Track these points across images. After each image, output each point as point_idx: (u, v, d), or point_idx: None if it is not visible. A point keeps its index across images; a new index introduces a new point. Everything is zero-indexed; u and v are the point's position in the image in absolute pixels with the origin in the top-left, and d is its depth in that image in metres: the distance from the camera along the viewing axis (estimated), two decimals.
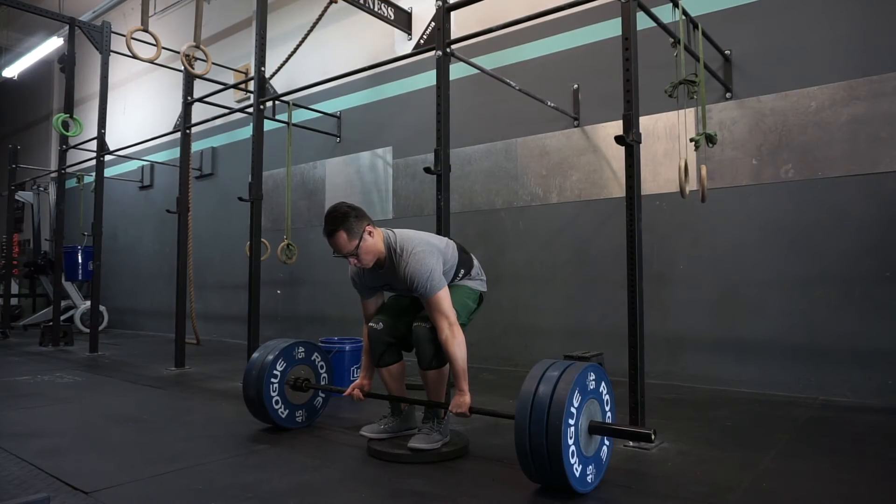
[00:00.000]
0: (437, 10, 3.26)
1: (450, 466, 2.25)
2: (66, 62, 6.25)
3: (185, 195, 5.01)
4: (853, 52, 3.49)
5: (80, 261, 8.15)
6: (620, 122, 2.55)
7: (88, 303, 7.41)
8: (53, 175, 8.37)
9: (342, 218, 2.29)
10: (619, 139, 2.50)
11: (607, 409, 2.06)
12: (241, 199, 4.29)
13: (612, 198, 4.29)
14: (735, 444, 2.53)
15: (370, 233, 2.32)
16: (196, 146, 7.20)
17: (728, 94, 3.89)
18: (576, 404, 1.83)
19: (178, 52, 4.84)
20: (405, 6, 5.59)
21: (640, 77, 2.60)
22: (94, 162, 6.15)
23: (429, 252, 2.33)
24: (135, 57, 4.28)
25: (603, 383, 2.04)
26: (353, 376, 3.68)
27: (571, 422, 1.80)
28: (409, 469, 2.22)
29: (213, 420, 3.12)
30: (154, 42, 4.51)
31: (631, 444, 2.46)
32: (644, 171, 3.92)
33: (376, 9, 5.23)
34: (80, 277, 8.21)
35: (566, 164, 4.57)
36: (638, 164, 2.55)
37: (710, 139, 3.08)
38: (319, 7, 4.36)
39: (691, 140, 3.08)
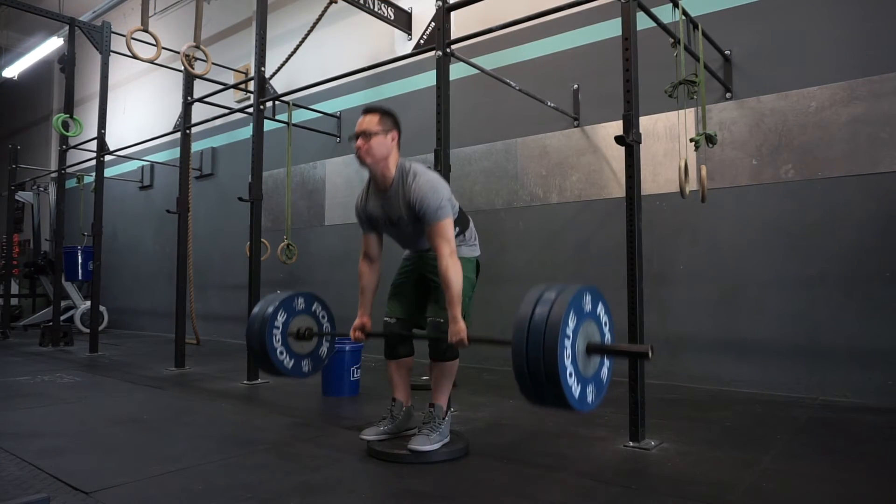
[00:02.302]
0: (437, 10, 3.26)
1: (450, 467, 2.25)
2: (66, 62, 6.26)
3: (185, 195, 5.01)
4: (853, 52, 3.49)
5: (80, 261, 8.15)
6: (620, 122, 2.56)
7: (88, 303, 7.41)
8: (53, 175, 8.38)
9: (387, 110, 2.41)
10: (619, 139, 2.50)
11: (605, 329, 2.04)
12: (241, 199, 4.29)
13: (612, 198, 4.29)
14: (735, 444, 2.53)
15: (393, 139, 2.38)
16: (196, 146, 7.20)
17: (728, 94, 3.89)
18: (571, 326, 1.82)
19: (178, 52, 4.84)
20: (405, 6, 5.59)
21: (640, 77, 2.60)
22: (94, 162, 6.15)
23: (440, 181, 2.37)
24: (135, 57, 4.28)
25: (600, 305, 2.03)
26: (354, 376, 3.69)
27: (568, 341, 1.79)
28: (409, 469, 2.22)
29: (213, 420, 3.12)
30: (154, 42, 4.51)
31: (631, 443, 2.46)
32: (644, 171, 3.92)
33: (376, 9, 5.23)
34: (80, 277, 8.21)
35: (566, 165, 4.57)
36: (638, 164, 2.55)
37: (710, 139, 3.08)
38: (319, 7, 4.36)
39: (691, 140, 3.08)
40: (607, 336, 2.03)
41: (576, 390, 1.81)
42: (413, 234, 2.43)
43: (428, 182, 2.31)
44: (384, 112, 2.39)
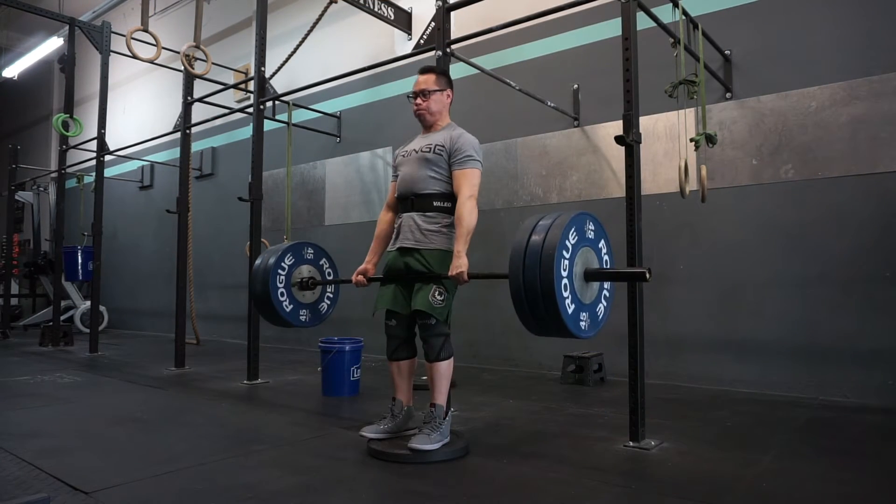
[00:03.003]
0: (437, 10, 3.26)
1: (450, 466, 2.25)
2: (66, 62, 6.26)
3: (185, 195, 5.01)
4: (853, 52, 3.49)
5: (80, 261, 8.15)
6: (620, 122, 2.55)
7: (88, 303, 7.41)
8: (53, 175, 8.39)
9: (443, 71, 2.65)
10: (619, 139, 2.50)
11: (605, 259, 2.04)
12: (241, 199, 4.29)
13: (612, 198, 4.29)
14: (735, 444, 2.53)
15: (449, 97, 2.59)
16: (196, 146, 7.20)
17: (728, 94, 3.89)
18: (571, 241, 1.81)
19: (178, 52, 4.85)
20: (405, 6, 5.59)
21: (640, 77, 2.60)
22: (94, 162, 6.15)
23: (479, 145, 2.51)
24: (135, 57, 4.29)
25: (602, 240, 2.02)
26: (354, 376, 3.69)
27: (566, 255, 1.77)
28: (409, 469, 2.22)
29: (213, 420, 3.12)
30: (154, 42, 4.52)
31: (631, 443, 2.46)
32: (644, 171, 3.92)
33: (376, 9, 5.23)
34: (80, 277, 8.21)
35: (566, 164, 4.57)
36: (638, 164, 2.55)
37: (710, 139, 3.08)
38: (319, 7, 4.37)
39: (691, 140, 3.08)
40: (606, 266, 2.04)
41: (570, 308, 1.80)
42: (423, 168, 2.48)
43: (471, 138, 2.49)
44: (440, 72, 2.59)
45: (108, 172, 7.06)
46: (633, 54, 2.55)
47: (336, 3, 4.34)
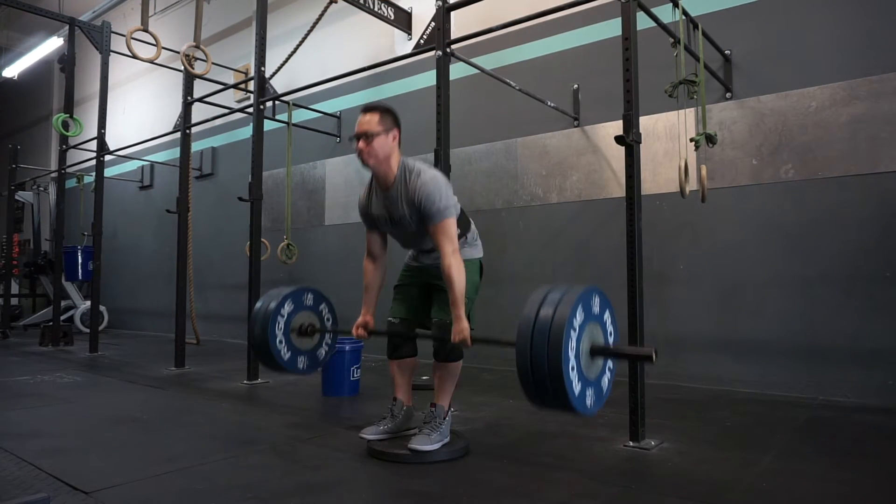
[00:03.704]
0: (437, 10, 3.26)
1: (450, 467, 2.25)
2: (66, 62, 6.25)
3: (185, 195, 5.01)
4: (853, 52, 3.49)
5: (80, 261, 8.15)
6: (620, 122, 2.56)
7: (88, 303, 7.41)
8: (53, 175, 8.38)
9: (387, 108, 2.39)
10: (619, 139, 2.50)
11: (610, 339, 2.04)
12: (241, 199, 4.29)
13: (612, 198, 4.29)
14: (735, 444, 2.53)
15: (395, 139, 2.35)
16: (196, 146, 7.20)
17: (728, 94, 3.89)
18: (578, 320, 1.81)
19: (178, 52, 4.85)
20: (405, 6, 5.59)
21: (640, 77, 2.60)
22: (94, 162, 6.15)
23: (443, 179, 2.34)
24: (135, 57, 4.28)
25: (607, 311, 2.02)
26: (354, 376, 3.68)
27: (574, 336, 1.78)
28: (409, 469, 2.22)
29: (213, 420, 3.12)
30: (154, 42, 4.51)
31: (631, 443, 2.46)
32: (644, 171, 3.92)
33: (376, 9, 5.23)
34: (80, 277, 8.21)
35: (566, 164, 4.57)
36: (638, 164, 2.55)
37: (710, 139, 3.08)
38: (319, 7, 4.36)
39: (691, 140, 3.08)
40: (611, 342, 2.03)
41: (576, 388, 1.80)
42: (415, 234, 2.41)
43: (431, 180, 2.28)
44: (383, 110, 2.37)
45: (108, 172, 7.06)
46: (633, 54, 2.55)
47: (336, 3, 4.34)
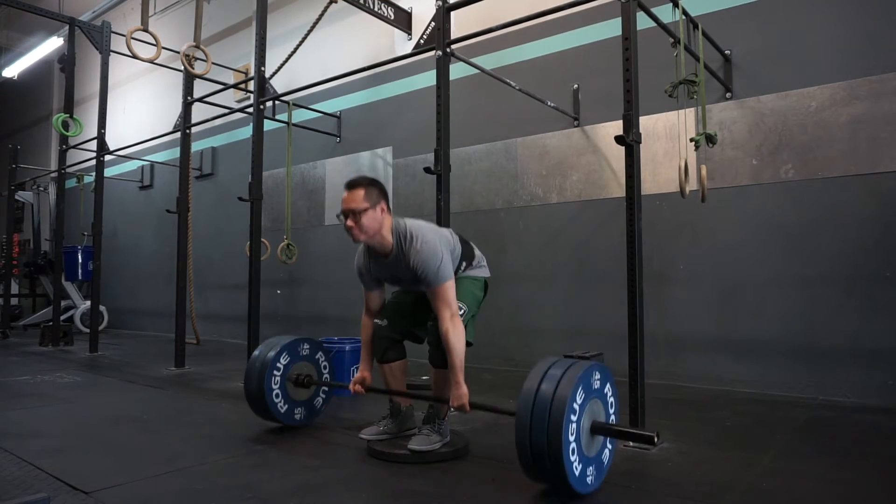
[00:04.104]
0: (437, 10, 3.26)
1: (450, 467, 2.25)
2: (66, 62, 6.25)
3: (185, 195, 5.01)
4: (853, 52, 3.49)
5: (80, 261, 8.15)
6: (620, 122, 2.55)
7: (88, 303, 7.41)
8: (53, 175, 8.38)
9: (370, 181, 2.34)
10: (619, 139, 2.50)
11: (611, 411, 2.05)
12: (241, 199, 4.29)
13: (612, 198, 4.29)
14: (735, 444, 2.53)
15: (383, 210, 2.32)
16: (196, 146, 7.20)
17: (728, 94, 3.89)
18: (578, 401, 1.82)
19: (178, 52, 4.84)
20: (405, 6, 5.59)
21: (640, 77, 2.59)
22: (94, 162, 6.15)
23: (439, 242, 2.33)
24: (135, 57, 4.28)
25: (608, 384, 2.03)
26: (354, 376, 3.67)
27: (574, 419, 1.79)
28: (408, 469, 2.22)
29: (213, 420, 3.12)
30: (154, 42, 4.51)
31: (631, 444, 2.46)
32: (644, 171, 3.92)
33: (376, 9, 5.23)
34: (80, 277, 8.21)
35: (566, 164, 4.57)
36: (638, 164, 2.55)
37: (710, 139, 3.08)
38: (319, 7, 4.36)
39: (691, 140, 3.08)
40: (612, 417, 2.03)
41: (577, 469, 1.81)
42: (418, 297, 2.48)
43: (426, 245, 2.27)
44: (367, 183, 2.32)
45: (108, 172, 7.06)
46: (633, 54, 2.55)
47: (336, 3, 4.34)
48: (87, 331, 6.66)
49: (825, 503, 1.87)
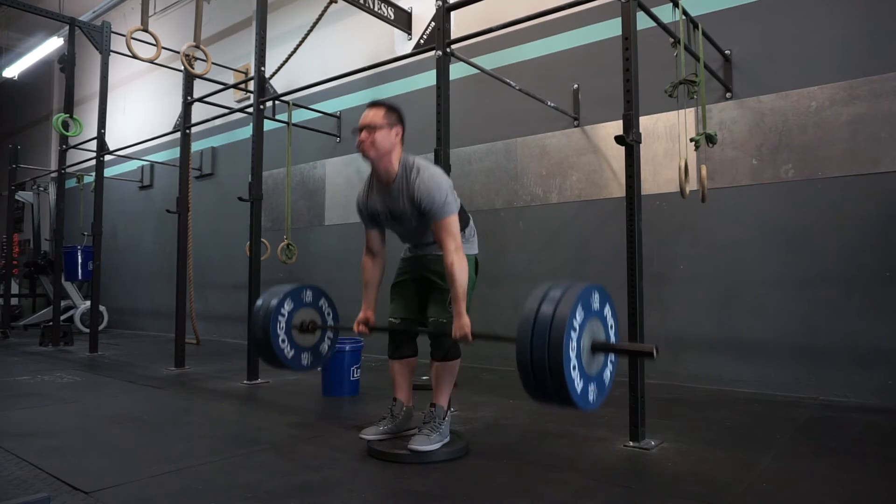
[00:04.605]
0: (437, 10, 3.26)
1: (450, 466, 2.25)
2: (66, 62, 6.25)
3: (185, 195, 5.01)
4: (853, 52, 3.49)
5: (79, 261, 8.15)
6: (620, 122, 2.56)
7: (88, 303, 7.41)
8: (53, 175, 8.38)
9: (392, 106, 2.42)
10: (619, 139, 2.50)
11: (611, 332, 2.04)
12: (241, 199, 4.29)
13: (612, 198, 4.29)
14: (735, 444, 2.53)
15: (398, 135, 2.37)
16: (196, 146, 7.20)
17: (728, 94, 3.89)
18: (579, 319, 1.82)
19: (178, 52, 4.84)
20: (405, 6, 5.59)
21: (640, 77, 2.60)
22: (94, 162, 6.15)
23: (444, 176, 2.36)
24: (135, 57, 4.29)
25: (607, 306, 2.02)
26: (354, 376, 3.68)
27: (574, 335, 1.78)
28: (409, 469, 2.22)
29: (213, 420, 3.12)
30: (154, 42, 4.52)
31: (631, 443, 2.46)
32: (644, 171, 3.92)
33: (376, 9, 5.23)
34: (80, 277, 8.21)
35: (566, 164, 4.57)
36: (638, 164, 2.55)
37: (710, 139, 3.08)
38: (319, 7, 4.37)
39: (691, 140, 3.08)
40: (612, 338, 2.03)
41: (578, 385, 1.80)
42: (416, 229, 2.42)
43: (432, 178, 2.29)
44: (389, 107, 2.40)
45: (108, 172, 7.05)
46: (633, 54, 2.55)
47: (336, 3, 4.34)
48: (87, 331, 6.66)
49: (825, 503, 1.87)
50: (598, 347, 1.92)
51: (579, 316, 1.82)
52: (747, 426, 2.85)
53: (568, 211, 4.55)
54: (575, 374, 1.79)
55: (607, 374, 2.00)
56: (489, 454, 2.40)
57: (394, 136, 2.36)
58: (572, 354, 1.78)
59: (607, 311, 2.01)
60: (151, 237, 8.56)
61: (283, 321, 2.66)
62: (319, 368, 3.09)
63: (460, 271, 2.22)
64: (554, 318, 1.78)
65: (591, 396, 1.88)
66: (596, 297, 1.94)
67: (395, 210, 2.40)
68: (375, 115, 2.34)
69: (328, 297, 2.87)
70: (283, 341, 2.66)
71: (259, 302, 2.73)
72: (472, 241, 2.57)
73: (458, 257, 2.24)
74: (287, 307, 2.68)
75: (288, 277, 6.33)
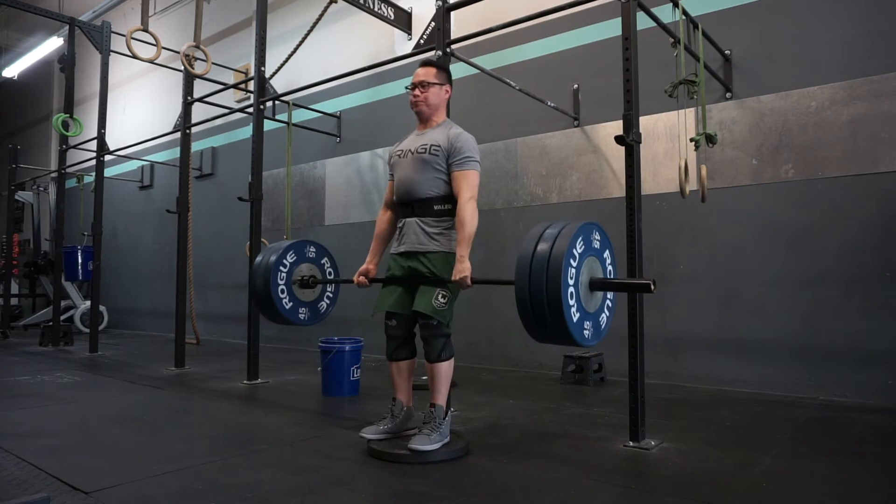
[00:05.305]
0: (437, 10, 3.26)
1: (450, 466, 2.25)
2: (66, 62, 6.26)
3: (185, 195, 5.01)
4: (853, 52, 3.49)
5: (79, 261, 8.15)
6: (620, 122, 2.56)
7: (88, 303, 7.41)
8: (53, 175, 8.38)
9: (444, 66, 2.63)
10: (619, 139, 2.50)
11: (609, 275, 2.05)
12: (241, 199, 4.29)
13: (612, 198, 4.29)
14: (735, 444, 2.53)
15: (447, 92, 2.58)
16: (196, 146, 7.20)
17: (728, 94, 3.89)
18: (578, 250, 1.82)
19: (178, 52, 4.85)
20: (405, 6, 5.59)
21: (640, 77, 2.60)
22: (94, 162, 6.15)
23: (476, 144, 2.50)
24: (135, 57, 4.29)
25: (607, 249, 2.03)
26: (354, 376, 3.69)
27: (573, 263, 1.79)
28: (409, 469, 2.22)
29: (213, 420, 3.12)
30: (154, 42, 4.52)
31: (631, 443, 2.46)
32: (644, 171, 3.92)
33: (376, 9, 5.23)
34: (80, 277, 8.21)
35: (566, 164, 4.57)
36: (638, 164, 2.55)
37: (710, 139, 3.08)
38: (319, 7, 4.37)
39: (691, 140, 3.08)
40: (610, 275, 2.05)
41: (575, 316, 1.81)
42: (420, 171, 2.45)
43: (469, 137, 2.46)
44: (441, 66, 2.58)
45: (108, 172, 7.05)
46: (633, 54, 2.55)
47: (336, 2, 4.34)
48: (87, 331, 6.66)
49: (825, 503, 1.87)
50: (596, 284, 1.93)
51: (579, 247, 1.84)
52: (747, 426, 2.85)
53: (568, 211, 4.54)
54: (573, 303, 1.80)
55: (604, 317, 2.01)
56: (489, 454, 2.40)
57: (444, 94, 2.56)
58: (570, 282, 1.79)
59: (607, 255, 2.02)
60: (151, 237, 8.56)
61: (283, 272, 2.67)
62: (317, 323, 3.05)
63: (471, 218, 2.33)
64: (553, 248, 1.80)
65: (586, 333, 1.89)
66: (596, 236, 1.95)
67: (418, 146, 2.49)
68: (428, 73, 2.53)
69: (331, 255, 2.88)
70: (283, 292, 2.67)
71: (261, 256, 2.74)
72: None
73: (472, 206, 2.35)
74: (290, 259, 2.69)
75: None
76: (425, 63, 2.57)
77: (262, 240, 4.42)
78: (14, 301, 9.30)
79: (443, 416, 2.42)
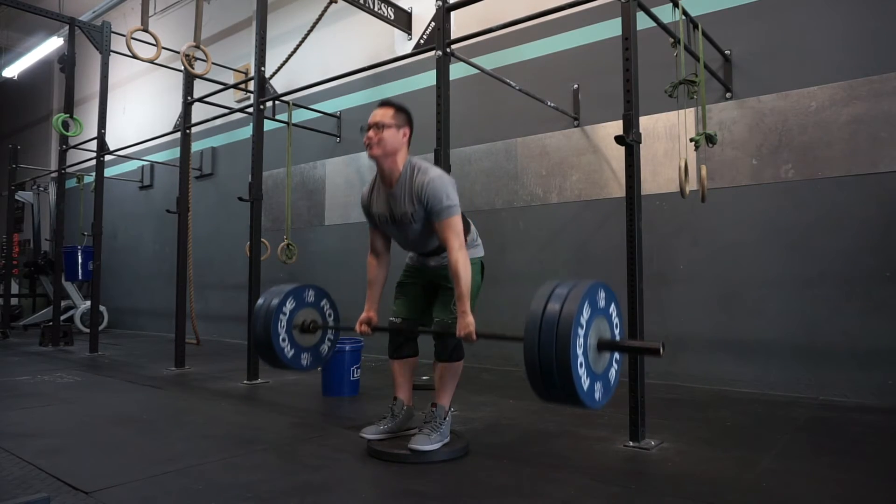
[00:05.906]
0: (437, 10, 3.26)
1: (450, 466, 2.25)
2: (66, 62, 6.25)
3: (185, 195, 5.01)
4: (853, 52, 3.49)
5: (80, 261, 8.15)
6: (620, 122, 2.56)
7: (88, 303, 7.41)
8: (53, 175, 8.38)
9: (402, 107, 2.43)
10: (619, 139, 2.50)
11: (616, 331, 2.04)
12: (241, 199, 4.29)
13: (612, 198, 4.29)
14: (735, 444, 2.53)
15: (405, 135, 2.39)
16: (196, 146, 7.20)
17: (728, 94, 3.89)
18: (585, 316, 1.82)
19: (178, 52, 4.85)
20: (405, 6, 5.59)
21: (640, 77, 2.60)
22: (94, 162, 6.15)
23: (448, 178, 2.35)
24: (135, 57, 4.29)
25: (612, 304, 2.02)
26: (354, 376, 3.68)
27: (581, 332, 1.78)
28: (409, 469, 2.22)
29: (213, 420, 3.12)
30: (154, 42, 4.52)
31: (631, 443, 2.47)
32: (644, 171, 3.92)
33: (376, 9, 5.23)
34: (80, 277, 8.21)
35: (566, 164, 4.57)
36: (638, 164, 2.55)
37: (710, 139, 3.08)
38: (319, 7, 4.37)
39: (691, 140, 3.08)
40: (618, 336, 2.03)
41: (585, 383, 1.80)
42: (418, 235, 2.39)
43: (438, 178, 2.29)
44: (399, 107, 2.40)
45: (108, 172, 7.05)
46: (633, 54, 2.55)
47: (336, 2, 4.34)
48: (87, 331, 6.66)
49: (825, 503, 1.87)
50: (605, 345, 1.92)
51: (586, 313, 1.83)
52: (747, 426, 2.85)
53: (568, 211, 4.55)
54: (582, 372, 1.79)
55: (612, 373, 2.00)
56: (489, 454, 2.40)
57: (401, 137, 2.37)
58: (580, 352, 1.78)
59: (612, 309, 2.01)
60: (151, 237, 8.56)
61: (284, 320, 2.65)
62: (319, 368, 3.08)
63: (465, 269, 2.22)
64: (561, 316, 1.78)
65: (597, 395, 1.88)
66: (602, 295, 1.94)
67: (395, 212, 2.38)
68: (384, 115, 2.35)
69: (330, 297, 2.87)
70: (284, 340, 2.65)
71: (261, 301, 2.73)
72: (476, 245, 2.55)
73: (463, 255, 2.23)
74: (289, 306, 2.68)
75: (288, 277, 6.33)
76: (383, 103, 2.41)
77: (263, 240, 4.42)
78: (14, 301, 9.30)
79: (443, 416, 2.42)
